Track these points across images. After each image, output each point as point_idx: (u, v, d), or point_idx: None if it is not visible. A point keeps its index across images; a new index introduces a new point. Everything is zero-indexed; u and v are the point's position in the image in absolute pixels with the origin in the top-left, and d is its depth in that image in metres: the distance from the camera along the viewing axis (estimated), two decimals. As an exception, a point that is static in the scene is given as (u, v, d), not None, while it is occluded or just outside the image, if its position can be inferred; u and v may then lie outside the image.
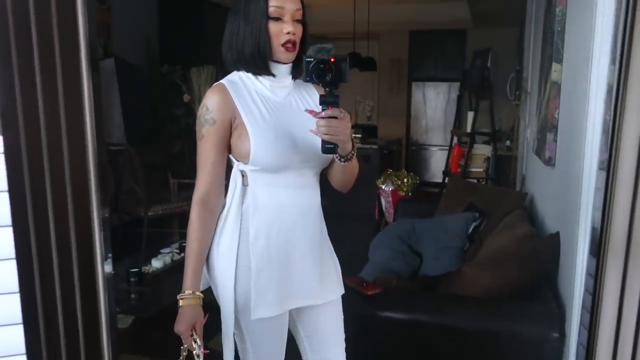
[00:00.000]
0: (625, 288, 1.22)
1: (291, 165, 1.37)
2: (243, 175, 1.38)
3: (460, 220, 2.98)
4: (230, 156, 1.40)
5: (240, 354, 1.55)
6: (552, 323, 1.77)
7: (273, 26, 1.32)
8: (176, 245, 3.59)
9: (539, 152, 2.78)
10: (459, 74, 6.69)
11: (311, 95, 1.47)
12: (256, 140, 1.33)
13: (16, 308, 1.07)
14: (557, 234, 2.07)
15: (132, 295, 2.95)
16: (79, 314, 1.13)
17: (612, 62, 1.26)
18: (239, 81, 1.39)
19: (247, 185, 1.38)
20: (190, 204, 1.38)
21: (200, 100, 1.38)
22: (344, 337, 1.58)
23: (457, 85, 6.82)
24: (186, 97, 4.57)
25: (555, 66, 2.36)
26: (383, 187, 4.73)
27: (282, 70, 1.39)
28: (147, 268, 3.17)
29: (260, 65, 1.35)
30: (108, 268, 1.18)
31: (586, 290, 1.34)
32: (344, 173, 1.44)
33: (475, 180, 5.07)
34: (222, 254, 1.39)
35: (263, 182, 1.37)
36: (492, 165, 5.22)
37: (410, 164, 7.46)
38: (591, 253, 1.31)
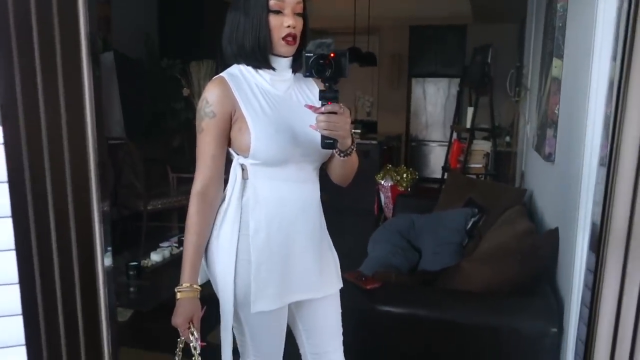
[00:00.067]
0: (624, 284, 1.23)
1: (291, 159, 1.37)
2: (243, 169, 1.38)
3: (460, 216, 2.98)
4: (230, 150, 1.40)
5: (239, 347, 1.55)
6: (550, 318, 1.78)
7: (273, 19, 1.31)
8: (175, 239, 3.60)
9: (538, 148, 2.78)
10: (459, 70, 6.67)
11: (311, 89, 1.47)
12: (256, 133, 1.32)
13: (16, 299, 1.08)
14: (556, 229, 2.07)
15: (131, 289, 2.96)
16: (79, 307, 1.13)
17: (614, 57, 1.26)
18: (239, 74, 1.38)
19: (247, 178, 1.38)
20: (189, 198, 1.38)
21: (199, 95, 1.38)
22: (342, 331, 1.58)
23: (457, 81, 6.80)
24: (186, 91, 4.56)
25: (555, 62, 2.36)
26: (382, 182, 4.72)
27: (283, 64, 1.38)
28: (146, 262, 3.17)
29: (260, 58, 1.35)
30: (108, 261, 1.18)
31: (585, 285, 1.34)
32: (344, 168, 1.44)
33: (474, 176, 5.07)
34: (222, 247, 1.39)
35: (263, 175, 1.37)
36: (492, 161, 5.21)
37: (410, 160, 7.46)
38: (591, 248, 1.32)
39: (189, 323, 1.35)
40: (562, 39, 2.27)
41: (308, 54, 1.26)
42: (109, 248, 1.19)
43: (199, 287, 1.37)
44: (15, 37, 0.99)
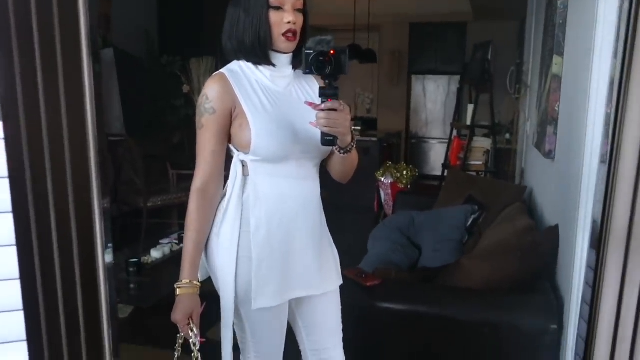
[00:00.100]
0: (625, 281, 1.23)
1: (292, 155, 1.36)
2: (244, 165, 1.38)
3: (460, 213, 2.98)
4: (230, 146, 1.40)
5: (239, 344, 1.56)
6: (550, 315, 1.78)
7: (274, 15, 1.31)
8: (175, 236, 3.60)
9: (539, 145, 2.77)
10: (459, 67, 6.66)
11: (311, 86, 1.47)
12: (257, 130, 1.32)
13: (17, 294, 1.08)
14: (556, 226, 2.07)
15: (132, 286, 2.97)
16: (80, 303, 1.13)
17: (614, 55, 1.26)
18: (239, 70, 1.38)
19: (248, 175, 1.37)
20: (189, 195, 1.38)
21: (199, 91, 1.38)
22: (342, 327, 1.59)
23: (457, 78, 6.79)
24: (185, 88, 4.56)
25: (556, 59, 2.35)
26: (382, 179, 4.73)
27: (283, 60, 1.38)
28: (146, 258, 3.18)
29: (260, 54, 1.35)
30: (108, 258, 1.18)
31: (586, 283, 1.34)
32: (344, 165, 1.45)
33: (474, 173, 5.07)
34: (222, 244, 1.39)
35: (264, 172, 1.37)
36: (492, 159, 5.21)
37: (410, 157, 7.45)
38: (591, 246, 1.32)
39: (189, 319, 1.35)
40: (562, 36, 2.26)
41: (308, 51, 1.25)
42: (110, 245, 1.19)
43: (198, 284, 1.37)
44: (16, 33, 0.99)
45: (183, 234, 1.42)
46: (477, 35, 6.16)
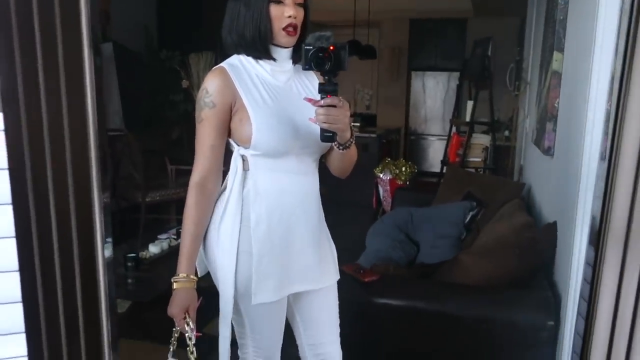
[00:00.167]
0: (623, 277, 1.23)
1: (292, 150, 1.36)
2: (244, 160, 1.37)
3: (458, 209, 2.98)
4: (231, 140, 1.39)
5: (238, 339, 1.56)
6: (547, 311, 1.79)
7: (274, 9, 1.30)
8: (174, 231, 3.59)
9: (538, 142, 2.78)
10: (458, 64, 6.66)
11: (310, 81, 1.47)
12: (258, 124, 1.32)
13: (16, 286, 1.07)
14: (555, 223, 2.07)
15: (129, 280, 2.96)
16: (79, 297, 1.13)
17: (615, 51, 1.26)
18: (239, 65, 1.38)
19: (248, 170, 1.37)
20: (187, 190, 1.38)
21: (198, 87, 1.38)
22: (339, 322, 1.59)
23: (456, 75, 6.79)
24: (185, 83, 4.55)
25: (556, 55, 2.35)
26: (381, 175, 4.72)
27: (283, 55, 1.38)
28: (144, 253, 3.17)
29: (260, 48, 1.34)
30: (107, 252, 1.18)
31: (584, 279, 1.34)
32: (342, 161, 1.45)
33: (473, 170, 5.07)
34: (222, 239, 1.39)
35: (264, 167, 1.36)
36: (491, 155, 5.21)
37: (409, 154, 7.46)
38: (590, 242, 1.32)
39: (185, 313, 1.35)
40: (563, 32, 2.26)
41: (307, 47, 1.25)
42: (109, 239, 1.18)
43: (195, 278, 1.37)
44: (17, 26, 0.99)
45: (181, 228, 1.41)
46: (477, 31, 6.16)
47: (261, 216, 1.37)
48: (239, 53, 1.39)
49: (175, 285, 1.35)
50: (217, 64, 1.41)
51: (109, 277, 1.18)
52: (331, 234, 1.55)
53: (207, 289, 1.46)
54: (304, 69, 1.28)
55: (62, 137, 1.05)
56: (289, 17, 1.31)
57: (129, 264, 3.00)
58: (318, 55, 1.24)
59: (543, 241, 2.07)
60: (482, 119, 5.36)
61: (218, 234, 1.39)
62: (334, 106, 1.25)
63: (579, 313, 1.40)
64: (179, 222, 1.42)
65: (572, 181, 1.79)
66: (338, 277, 1.56)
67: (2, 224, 1.05)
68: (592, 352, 1.28)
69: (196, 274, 1.41)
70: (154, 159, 4.53)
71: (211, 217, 1.42)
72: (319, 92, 1.27)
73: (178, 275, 1.35)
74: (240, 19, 1.33)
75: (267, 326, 1.47)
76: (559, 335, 1.81)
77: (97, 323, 1.17)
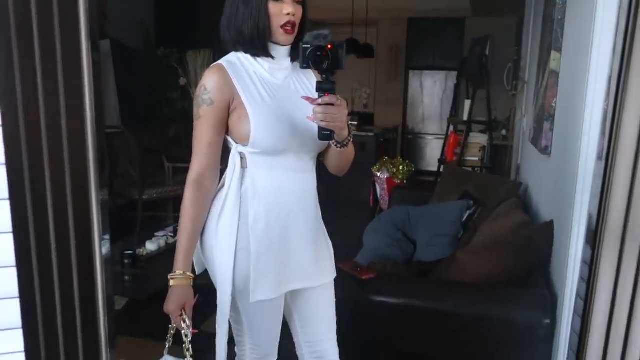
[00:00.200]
0: (619, 276, 1.23)
1: (290, 148, 1.36)
2: (242, 158, 1.37)
3: (455, 208, 2.99)
4: (229, 138, 1.39)
5: (235, 337, 1.56)
6: (544, 309, 1.79)
7: (273, 6, 1.30)
8: (170, 228, 3.59)
9: (535, 141, 2.78)
10: (456, 63, 6.65)
11: (308, 79, 1.47)
12: (256, 122, 1.32)
13: (13, 282, 1.07)
14: (551, 222, 2.08)
15: (126, 278, 2.96)
16: (76, 294, 1.13)
17: (613, 50, 1.26)
18: (237, 62, 1.38)
19: (246, 167, 1.37)
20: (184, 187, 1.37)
21: (196, 84, 1.37)
22: (336, 319, 1.59)
23: (454, 74, 6.79)
24: (182, 81, 4.54)
25: (554, 55, 2.36)
26: (378, 174, 4.73)
27: (281, 52, 1.38)
28: (141, 250, 3.17)
29: (259, 46, 1.34)
30: (105, 249, 1.18)
31: (581, 278, 1.35)
32: (340, 159, 1.45)
33: (470, 169, 5.08)
34: (221, 237, 1.38)
35: (262, 164, 1.36)
36: (488, 154, 5.22)
37: (406, 152, 7.47)
38: (586, 241, 1.32)
39: (181, 310, 1.35)
40: (561, 31, 2.27)
41: (305, 46, 1.25)
42: (106, 236, 1.18)
43: (192, 275, 1.37)
44: (14, 22, 0.98)
45: (178, 226, 1.41)
46: (475, 31, 6.16)
47: (259, 214, 1.37)
48: (237, 50, 1.39)
49: (171, 282, 1.35)
50: (214, 61, 1.40)
51: (106, 274, 1.18)
52: (329, 232, 1.56)
53: (204, 287, 1.46)
54: (302, 67, 1.28)
55: (60, 134, 1.05)
56: (288, 14, 1.31)
57: (126, 261, 3.00)
58: (316, 53, 1.24)
59: (540, 240, 2.08)
60: (479, 118, 5.37)
61: (216, 231, 1.39)
62: (332, 105, 1.25)
63: (575, 311, 1.40)
64: (176, 220, 1.41)
65: (569, 180, 1.79)
66: (335, 274, 1.56)
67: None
68: (588, 350, 1.29)
69: (193, 272, 1.41)
70: (151, 156, 4.53)
71: (209, 215, 1.41)
72: (317, 91, 1.27)
73: (175, 272, 1.35)
74: (239, 16, 1.33)
75: (264, 324, 1.47)
76: (556, 333, 1.81)
77: (94, 320, 1.16)
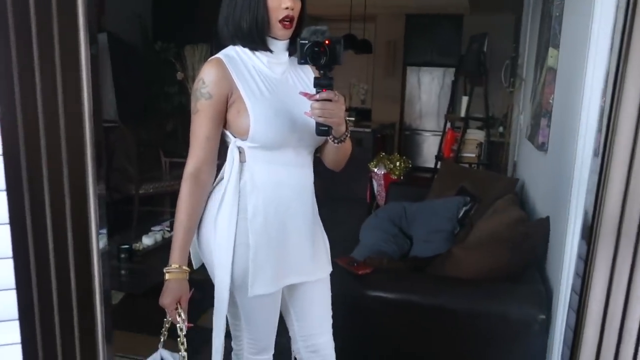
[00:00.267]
0: (614, 271, 1.24)
1: (289, 143, 1.36)
2: (240, 152, 1.37)
3: (451, 204, 3.00)
4: (227, 132, 1.39)
5: (232, 331, 1.56)
6: (539, 305, 1.80)
7: (271, 0, 1.30)
8: (167, 223, 3.59)
9: (532, 137, 2.79)
10: (454, 60, 6.66)
11: (306, 73, 1.47)
12: (256, 116, 1.32)
13: (10, 274, 1.07)
14: (547, 218, 2.09)
15: (123, 272, 2.96)
16: (73, 288, 1.13)
17: (611, 47, 1.26)
18: (235, 56, 1.37)
19: (245, 162, 1.37)
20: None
21: (193, 79, 1.37)
22: (332, 314, 1.60)
23: (451, 71, 6.79)
24: (180, 75, 4.53)
25: (551, 51, 2.36)
26: (375, 170, 4.73)
27: (279, 46, 1.38)
28: (137, 245, 3.17)
29: (257, 40, 1.34)
30: (102, 244, 1.18)
31: (576, 273, 1.36)
32: (337, 154, 1.45)
33: (467, 165, 5.09)
34: (220, 231, 1.38)
35: (261, 159, 1.36)
36: (485, 151, 5.24)
37: (403, 149, 7.46)
38: (582, 237, 1.33)
39: (177, 304, 1.35)
40: (558, 28, 2.27)
41: (303, 41, 1.25)
42: (103, 231, 1.18)
43: (187, 269, 1.36)
44: (12, 14, 0.98)
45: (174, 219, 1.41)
46: (473, 27, 6.16)
47: (258, 208, 1.37)
48: (235, 44, 1.38)
49: (167, 276, 1.35)
50: (212, 56, 1.39)
51: (103, 268, 1.18)
52: (325, 227, 1.56)
53: (201, 282, 1.46)
54: (300, 63, 1.28)
55: (58, 128, 1.04)
56: (286, 8, 1.30)
57: (123, 255, 3.00)
58: (314, 49, 1.24)
59: (536, 236, 2.09)
60: (477, 114, 5.38)
61: (215, 225, 1.39)
62: (330, 100, 1.25)
63: (570, 306, 1.41)
64: (173, 215, 1.41)
65: (565, 177, 1.80)
66: (331, 269, 1.56)
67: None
68: (582, 345, 1.30)
69: (189, 265, 1.40)
70: (148, 151, 4.52)
71: (207, 209, 1.41)
72: (315, 86, 1.27)
73: (170, 266, 1.35)
74: (237, 10, 1.32)
75: (262, 318, 1.47)
76: (551, 328, 1.82)
77: (91, 314, 1.16)
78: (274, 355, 1.56)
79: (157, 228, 3.47)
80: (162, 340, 1.44)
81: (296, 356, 1.61)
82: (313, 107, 1.25)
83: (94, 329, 1.18)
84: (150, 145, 4.59)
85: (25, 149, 1.03)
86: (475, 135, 5.29)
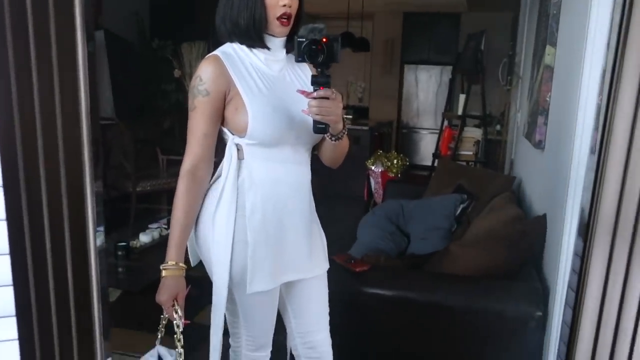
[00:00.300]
0: (610, 268, 1.25)
1: (287, 140, 1.36)
2: (238, 149, 1.37)
3: (449, 202, 3.00)
4: (225, 129, 1.39)
5: (230, 329, 1.57)
6: (535, 302, 1.81)
7: (269, -3, 1.30)
8: (164, 220, 3.60)
9: (529, 135, 2.79)
10: (451, 58, 6.66)
11: (303, 71, 1.47)
12: (254, 113, 1.32)
13: (7, 271, 1.07)
14: (544, 215, 2.09)
15: (120, 269, 2.96)
16: (70, 285, 1.13)
17: (607, 45, 1.27)
18: (233, 53, 1.37)
19: (243, 159, 1.37)
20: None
21: (191, 76, 1.36)
22: (330, 311, 1.60)
23: (449, 68, 6.79)
24: (177, 73, 4.52)
25: (549, 49, 2.37)
26: (373, 168, 4.74)
27: (277, 44, 1.38)
28: (134, 242, 3.17)
29: (254, 37, 1.34)
30: (99, 241, 1.18)
31: (572, 270, 1.36)
32: (334, 151, 1.45)
33: (464, 163, 5.10)
34: (218, 228, 1.38)
35: (259, 156, 1.36)
36: (482, 149, 5.25)
37: (401, 147, 7.47)
38: (579, 234, 1.34)
39: (173, 301, 1.35)
40: (556, 26, 2.27)
41: (300, 39, 1.25)
42: (100, 228, 1.18)
43: (184, 266, 1.36)
44: (9, 11, 0.97)
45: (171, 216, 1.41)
46: (471, 26, 6.17)
47: (256, 205, 1.37)
48: (232, 41, 1.38)
49: (164, 273, 1.34)
50: (209, 53, 1.39)
51: (100, 265, 1.18)
52: (323, 225, 1.56)
53: (198, 279, 1.46)
54: (297, 61, 1.28)
55: (55, 126, 1.04)
56: (284, 6, 1.30)
57: (120, 253, 3.00)
58: (311, 47, 1.24)
59: (532, 233, 2.09)
60: (474, 112, 5.39)
61: (213, 223, 1.39)
62: (327, 98, 1.25)
63: (566, 303, 1.42)
64: (170, 212, 1.40)
65: (562, 174, 1.80)
66: (328, 266, 1.57)
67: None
68: (578, 341, 1.31)
69: (186, 262, 1.40)
70: (145, 148, 4.52)
71: (205, 206, 1.41)
72: (312, 84, 1.27)
73: (167, 262, 1.34)
74: (235, 7, 1.32)
75: (260, 315, 1.47)
76: (547, 325, 1.83)
77: (88, 311, 1.17)
78: (271, 352, 1.57)
79: (155, 225, 3.47)
80: (159, 337, 1.45)
81: (294, 353, 1.61)
82: (310, 104, 1.25)
83: (92, 326, 1.18)
84: (148, 143, 4.59)
85: (22, 146, 1.03)
86: (473, 133, 5.30)
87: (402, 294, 1.96)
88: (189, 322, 1.37)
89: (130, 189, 4.10)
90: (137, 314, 2.84)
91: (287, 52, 1.42)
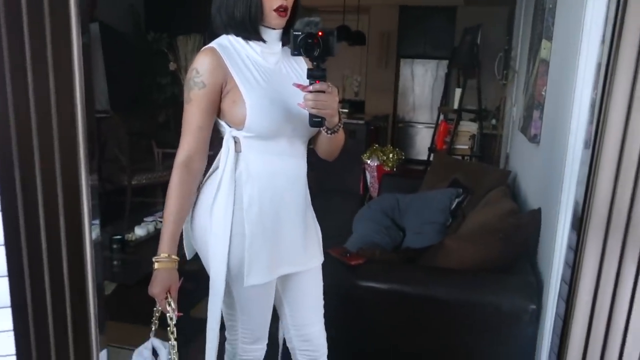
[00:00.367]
0: (603, 261, 1.26)
1: (284, 132, 1.36)
2: (236, 142, 1.37)
3: (444, 196, 3.01)
4: (222, 122, 1.38)
5: (226, 322, 1.57)
6: (529, 295, 1.82)
7: (266, -11, 1.29)
8: (160, 214, 3.57)
9: (524, 129, 2.80)
10: (447, 52, 6.66)
11: (299, 64, 1.47)
12: (252, 105, 1.31)
13: (2, 261, 1.07)
14: (539, 209, 2.10)
15: (115, 262, 2.95)
16: (66, 278, 1.13)
17: (602, 39, 1.27)
18: (229, 45, 1.37)
19: (240, 151, 1.37)
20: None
21: (186, 69, 1.36)
22: (324, 304, 1.61)
23: (445, 63, 6.80)
24: (172, 66, 4.50)
25: (544, 43, 2.37)
26: (368, 162, 4.74)
27: (273, 36, 1.37)
28: (130, 236, 3.16)
29: (250, 29, 1.33)
30: (94, 234, 1.18)
31: (566, 263, 1.37)
32: (330, 145, 1.45)
33: (460, 157, 5.11)
34: (216, 221, 1.38)
35: (257, 149, 1.36)
36: (477, 143, 5.26)
37: (396, 141, 7.48)
38: (572, 227, 1.35)
39: (166, 293, 1.34)
40: (552, 20, 2.27)
41: (296, 33, 1.25)
42: (96, 221, 1.18)
43: (177, 258, 1.35)
44: (4, 6, 0.97)
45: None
46: (467, 20, 6.17)
47: (253, 197, 1.37)
48: (228, 33, 1.38)
49: (156, 265, 1.34)
50: (205, 46, 1.39)
51: (95, 259, 1.17)
52: (318, 218, 1.57)
53: (194, 272, 1.46)
54: (293, 54, 1.28)
55: (50, 118, 1.04)
56: (281, -2, 1.30)
57: (115, 246, 2.99)
58: (307, 41, 1.24)
59: (527, 227, 2.10)
60: (470, 106, 5.40)
61: (210, 216, 1.38)
62: (323, 92, 1.25)
63: (560, 296, 1.43)
64: (165, 205, 1.39)
65: (557, 168, 1.81)
66: (322, 259, 1.57)
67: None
68: (572, 334, 1.32)
69: (179, 255, 1.40)
70: (140, 141, 4.51)
71: (202, 200, 1.41)
72: (308, 78, 1.27)
73: (159, 255, 1.34)
74: (231, -1, 1.31)
75: (257, 308, 1.48)
76: (541, 318, 1.84)
77: (84, 304, 1.16)
78: (267, 344, 1.57)
79: (150, 219, 3.45)
80: (153, 329, 1.44)
81: (288, 345, 1.62)
82: (306, 98, 1.25)
83: (87, 319, 1.18)
84: (143, 136, 4.57)
85: (17, 138, 1.02)
86: (468, 128, 5.31)
87: (397, 288, 1.96)
88: (181, 314, 1.37)
89: (125, 182, 4.09)
90: (132, 307, 2.83)
91: (283, 45, 1.42)
